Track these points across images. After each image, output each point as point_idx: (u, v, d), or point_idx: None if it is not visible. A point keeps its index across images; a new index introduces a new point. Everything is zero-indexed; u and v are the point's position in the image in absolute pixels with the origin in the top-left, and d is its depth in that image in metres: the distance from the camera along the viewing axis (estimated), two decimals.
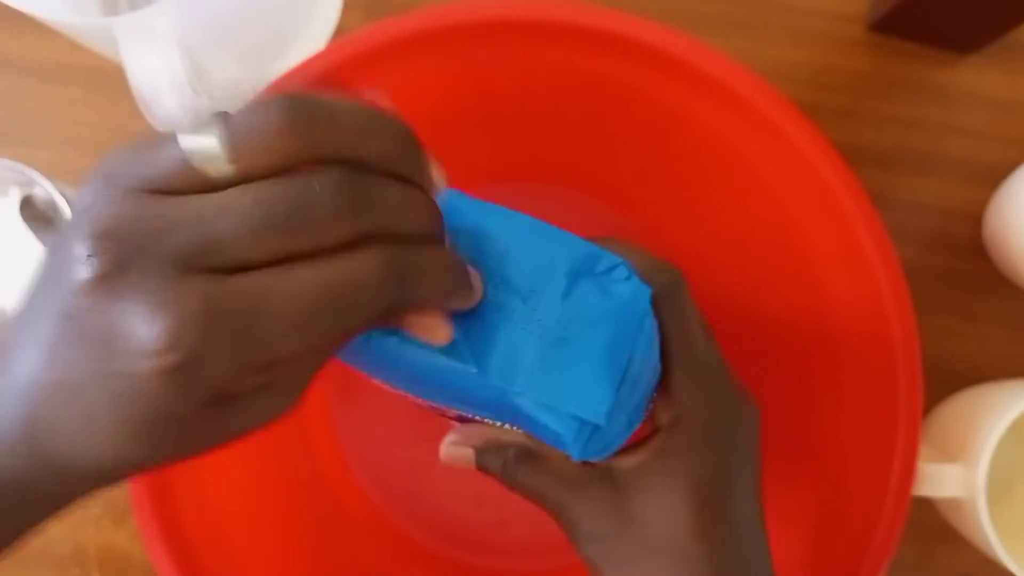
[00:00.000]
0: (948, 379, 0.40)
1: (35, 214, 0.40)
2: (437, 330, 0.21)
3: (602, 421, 0.22)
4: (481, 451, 0.26)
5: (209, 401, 0.17)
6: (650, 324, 0.23)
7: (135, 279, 0.16)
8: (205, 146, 0.17)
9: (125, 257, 0.16)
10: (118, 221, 0.17)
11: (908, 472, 0.31)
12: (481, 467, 0.26)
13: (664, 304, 0.24)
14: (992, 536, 0.33)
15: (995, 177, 0.41)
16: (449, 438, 0.27)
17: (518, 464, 0.25)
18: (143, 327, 0.16)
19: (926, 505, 0.39)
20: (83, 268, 0.17)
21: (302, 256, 0.17)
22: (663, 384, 0.24)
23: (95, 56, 0.40)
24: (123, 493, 0.31)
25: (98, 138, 0.44)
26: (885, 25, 0.42)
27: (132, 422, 0.17)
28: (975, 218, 0.42)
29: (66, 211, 0.38)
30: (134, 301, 0.16)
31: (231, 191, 0.17)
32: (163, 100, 0.32)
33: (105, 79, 0.44)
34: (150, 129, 0.34)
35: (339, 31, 0.43)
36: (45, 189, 0.39)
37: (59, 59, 0.44)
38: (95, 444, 0.18)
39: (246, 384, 0.18)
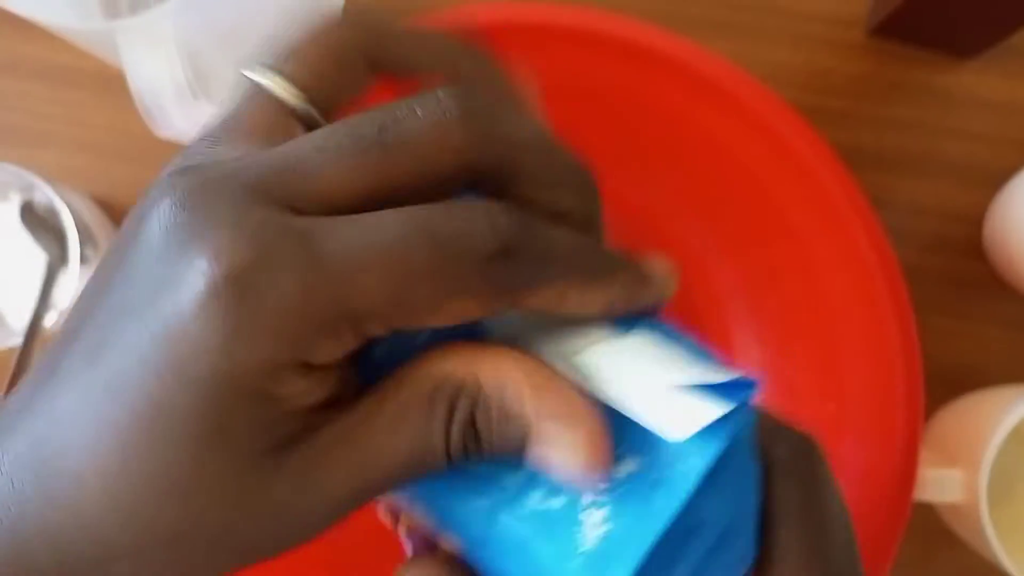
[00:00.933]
0: (947, 382, 0.40)
1: (36, 218, 0.40)
2: (579, 453, 0.14)
3: None
4: None
5: (272, 374, 0.13)
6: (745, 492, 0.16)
7: (199, 209, 0.13)
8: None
9: (196, 187, 0.13)
10: (190, 162, 0.14)
11: (909, 477, 0.31)
12: None
13: (784, 476, 0.17)
14: (993, 541, 0.33)
15: (994, 180, 0.41)
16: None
17: None
18: (198, 246, 0.13)
19: (926, 509, 0.39)
20: (152, 209, 0.14)
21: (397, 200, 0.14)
22: None
23: (101, 60, 0.40)
24: None
25: (103, 141, 0.44)
26: (884, 29, 0.42)
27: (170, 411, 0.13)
28: (974, 220, 0.42)
29: (66, 215, 0.38)
30: (193, 226, 0.13)
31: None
32: (164, 105, 0.32)
33: (111, 83, 0.44)
34: (152, 133, 0.34)
35: None
36: (46, 194, 0.39)
37: (65, 63, 0.44)
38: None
39: (316, 367, 0.14)
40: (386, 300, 0.13)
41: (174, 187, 0.14)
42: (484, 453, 0.15)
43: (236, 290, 0.13)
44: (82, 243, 0.38)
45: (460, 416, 0.14)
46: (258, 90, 0.16)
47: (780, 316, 0.38)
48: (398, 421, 0.14)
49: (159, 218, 0.13)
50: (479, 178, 0.15)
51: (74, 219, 0.38)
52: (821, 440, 0.18)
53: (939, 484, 0.34)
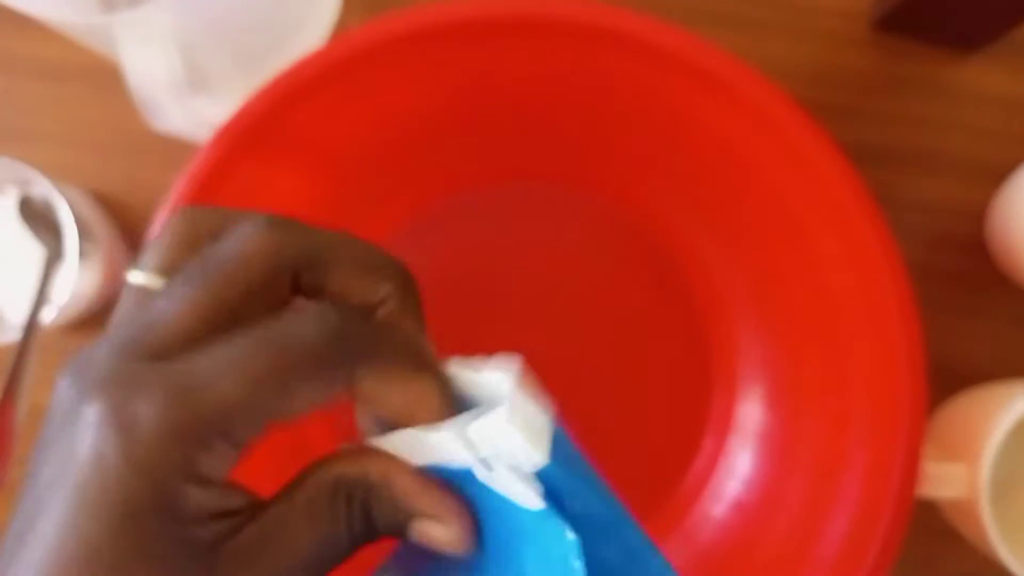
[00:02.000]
0: (950, 378, 0.40)
1: (33, 213, 0.40)
2: (451, 526, 0.18)
3: None
4: None
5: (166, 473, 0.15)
6: None
7: (81, 380, 0.16)
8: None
9: (79, 366, 0.16)
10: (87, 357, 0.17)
11: (913, 472, 0.31)
12: None
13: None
14: (995, 536, 0.33)
15: (998, 175, 0.41)
16: None
17: None
18: (83, 409, 0.16)
19: (927, 505, 0.39)
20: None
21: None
22: None
23: (94, 55, 0.40)
24: None
25: (97, 137, 0.44)
26: (888, 23, 0.42)
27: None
28: (978, 216, 0.42)
29: (63, 210, 0.38)
30: (79, 395, 0.16)
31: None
32: (160, 98, 0.32)
33: (104, 78, 0.44)
34: (148, 128, 0.34)
35: (338, 28, 0.43)
36: (43, 188, 0.39)
37: (59, 58, 0.44)
38: None
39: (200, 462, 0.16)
40: (241, 405, 0.16)
41: (67, 372, 0.16)
42: (378, 533, 0.18)
43: (114, 430, 0.15)
44: (80, 237, 0.38)
45: (357, 508, 0.18)
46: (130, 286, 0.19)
47: (784, 312, 0.38)
48: (309, 515, 0.17)
49: (58, 400, 0.16)
50: (300, 279, 0.18)
51: (72, 213, 0.38)
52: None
53: (941, 479, 0.34)
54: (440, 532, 0.18)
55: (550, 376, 0.42)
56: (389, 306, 0.19)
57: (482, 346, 0.40)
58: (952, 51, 0.42)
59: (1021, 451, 0.39)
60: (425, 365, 0.18)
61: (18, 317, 0.40)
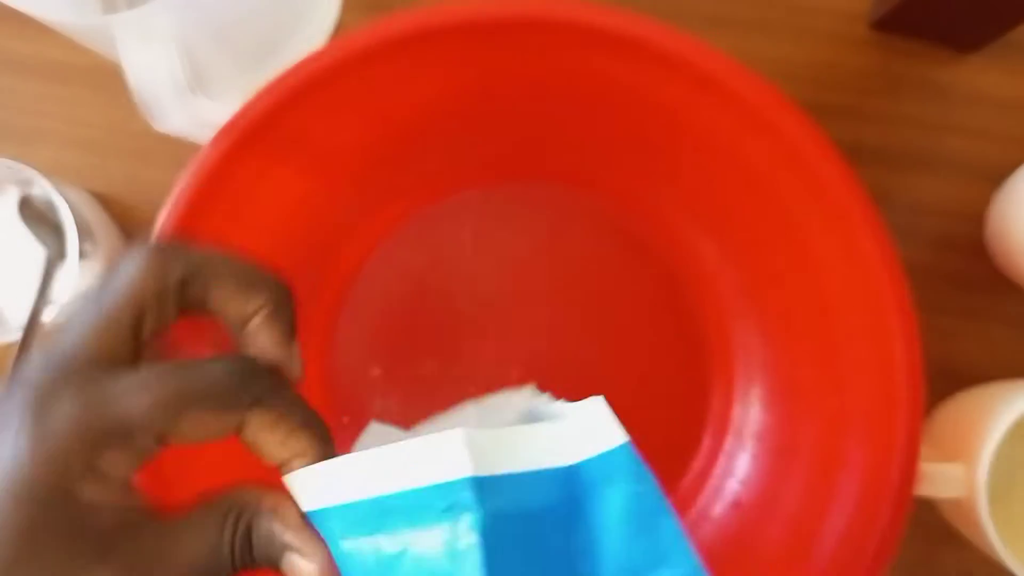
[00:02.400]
0: (949, 379, 0.40)
1: (33, 213, 0.40)
2: (313, 560, 0.19)
3: None
4: None
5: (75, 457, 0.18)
6: None
7: (16, 381, 0.19)
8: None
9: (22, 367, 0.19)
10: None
11: (911, 473, 0.31)
12: None
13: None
14: (993, 536, 0.33)
15: (996, 176, 0.41)
16: None
17: None
18: (12, 401, 0.19)
19: (927, 505, 0.39)
20: None
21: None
22: None
23: (95, 55, 0.40)
24: None
25: (98, 137, 0.44)
26: (887, 23, 0.42)
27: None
28: (976, 217, 0.42)
29: (64, 210, 0.38)
30: (12, 389, 0.19)
31: None
32: (161, 99, 0.32)
33: (105, 78, 0.44)
34: (149, 129, 0.34)
35: (339, 29, 0.43)
36: (43, 188, 0.39)
37: (59, 58, 0.44)
38: None
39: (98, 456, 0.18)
40: (141, 419, 0.18)
41: (6, 380, 0.19)
42: (256, 560, 0.20)
43: (32, 422, 0.18)
44: (80, 238, 0.38)
45: (241, 529, 0.19)
46: None
47: (782, 312, 0.38)
48: (199, 527, 0.19)
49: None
50: (186, 293, 0.20)
51: (72, 214, 0.38)
52: None
53: (939, 479, 0.34)
54: (303, 567, 0.19)
55: (548, 375, 0.42)
56: (262, 316, 0.21)
57: (480, 345, 0.40)
58: (951, 51, 0.42)
59: (1020, 451, 0.39)
60: (309, 424, 0.20)
61: (19, 317, 0.40)
